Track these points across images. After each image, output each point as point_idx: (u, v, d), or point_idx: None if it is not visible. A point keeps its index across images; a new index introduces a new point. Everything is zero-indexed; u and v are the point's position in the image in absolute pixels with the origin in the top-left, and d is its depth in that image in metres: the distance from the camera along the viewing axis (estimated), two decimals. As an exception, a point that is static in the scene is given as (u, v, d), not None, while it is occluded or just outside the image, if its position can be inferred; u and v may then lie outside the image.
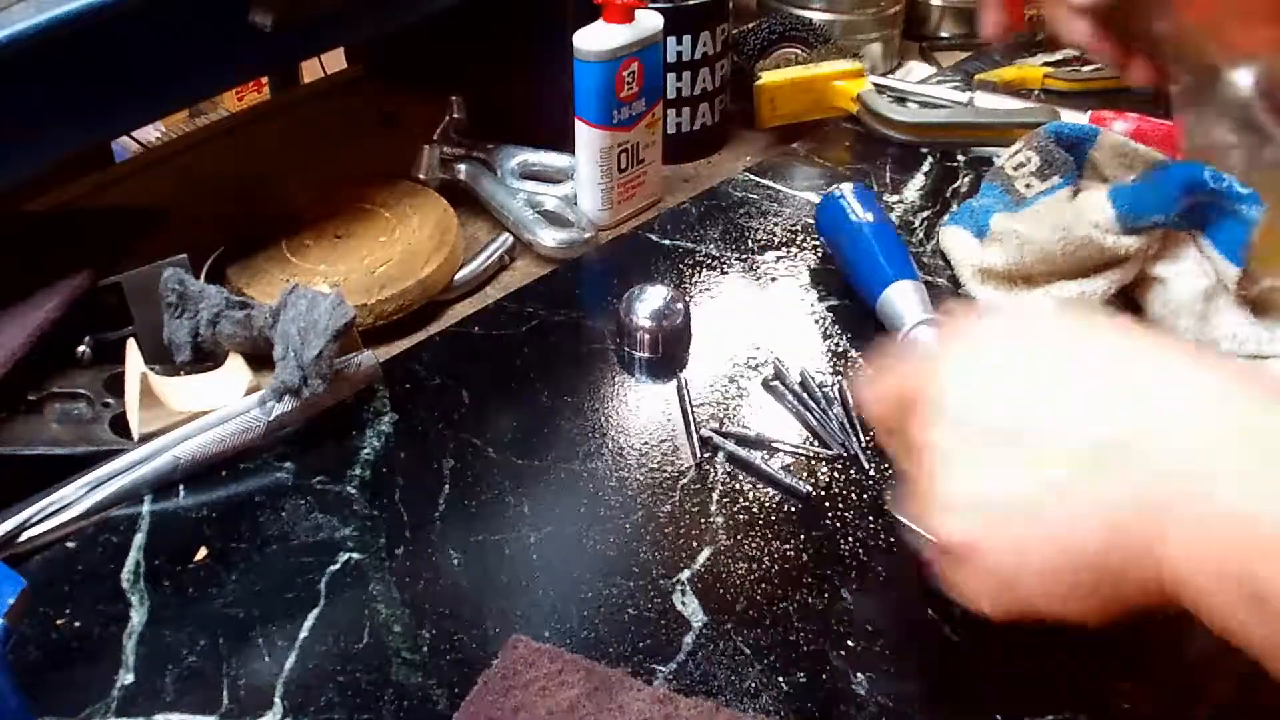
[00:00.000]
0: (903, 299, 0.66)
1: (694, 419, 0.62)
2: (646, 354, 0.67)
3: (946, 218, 0.78)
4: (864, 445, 0.61)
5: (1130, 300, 0.68)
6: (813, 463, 0.60)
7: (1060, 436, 0.39)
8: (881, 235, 0.70)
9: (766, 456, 0.60)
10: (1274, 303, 0.65)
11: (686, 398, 0.64)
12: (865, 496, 0.58)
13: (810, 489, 0.58)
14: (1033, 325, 0.44)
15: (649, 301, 0.67)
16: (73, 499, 0.56)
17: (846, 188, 0.74)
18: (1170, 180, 0.65)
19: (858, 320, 0.70)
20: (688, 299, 0.71)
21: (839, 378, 0.65)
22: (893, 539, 0.55)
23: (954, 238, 0.75)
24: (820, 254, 0.77)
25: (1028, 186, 0.72)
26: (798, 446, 0.61)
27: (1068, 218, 0.67)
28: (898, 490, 0.48)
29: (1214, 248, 0.65)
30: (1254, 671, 0.38)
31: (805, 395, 0.64)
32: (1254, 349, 0.63)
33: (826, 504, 0.57)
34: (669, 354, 0.67)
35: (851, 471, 0.59)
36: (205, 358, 0.65)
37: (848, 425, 0.62)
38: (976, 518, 0.40)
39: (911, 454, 0.44)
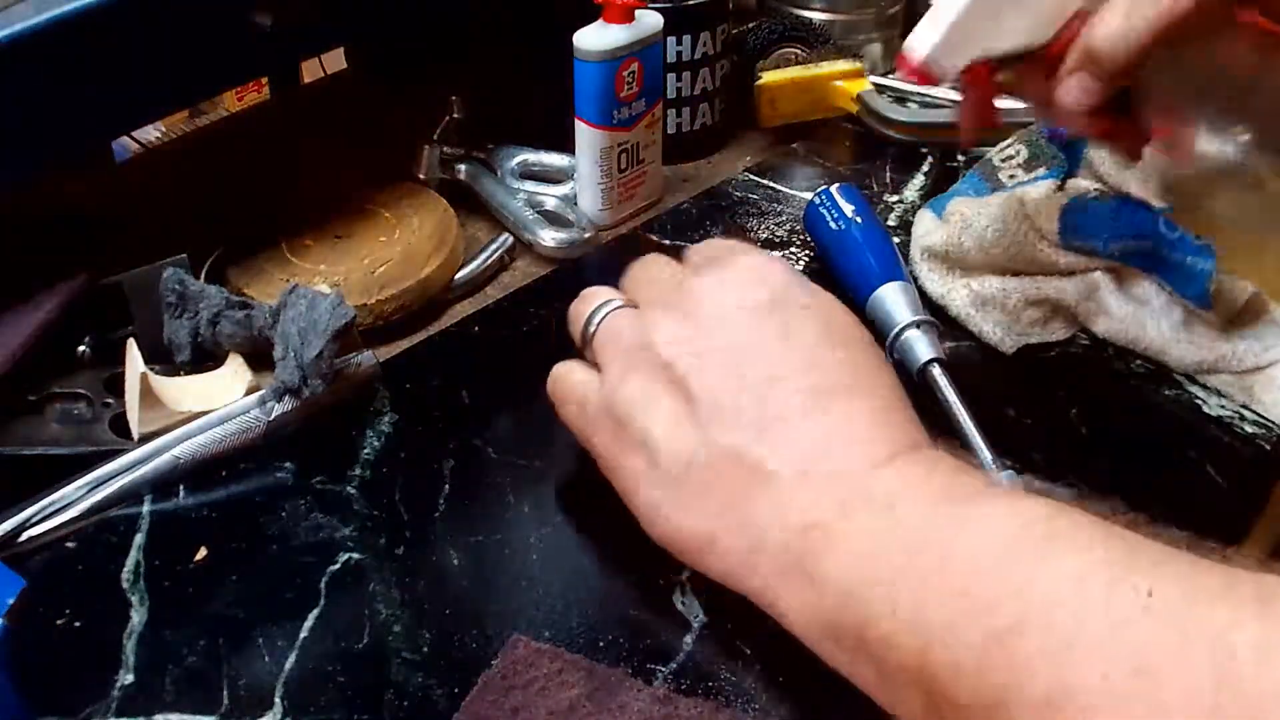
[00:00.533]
0: (891, 301, 0.65)
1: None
2: None
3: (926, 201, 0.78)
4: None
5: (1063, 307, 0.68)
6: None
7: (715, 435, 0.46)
8: (870, 236, 0.70)
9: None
10: (1255, 309, 0.64)
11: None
12: (865, 496, 0.58)
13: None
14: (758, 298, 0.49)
15: None
16: (73, 499, 0.56)
17: (834, 188, 0.73)
18: (1125, 215, 0.65)
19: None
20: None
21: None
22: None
23: (920, 218, 0.75)
24: (819, 254, 0.77)
25: (1010, 177, 0.72)
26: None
27: (1015, 211, 0.67)
28: None
29: (1174, 290, 0.65)
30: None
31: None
32: (1253, 362, 0.63)
33: (826, 504, 0.57)
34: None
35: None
36: (205, 358, 0.65)
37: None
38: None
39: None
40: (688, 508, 0.46)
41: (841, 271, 0.71)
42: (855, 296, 0.68)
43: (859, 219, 0.71)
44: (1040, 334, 0.67)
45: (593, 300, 0.54)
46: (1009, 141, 0.74)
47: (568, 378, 0.54)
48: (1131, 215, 0.65)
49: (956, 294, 0.69)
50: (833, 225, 0.71)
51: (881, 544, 0.41)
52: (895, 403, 0.47)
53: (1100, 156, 0.72)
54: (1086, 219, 0.65)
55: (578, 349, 0.55)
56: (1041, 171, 0.71)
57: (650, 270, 0.55)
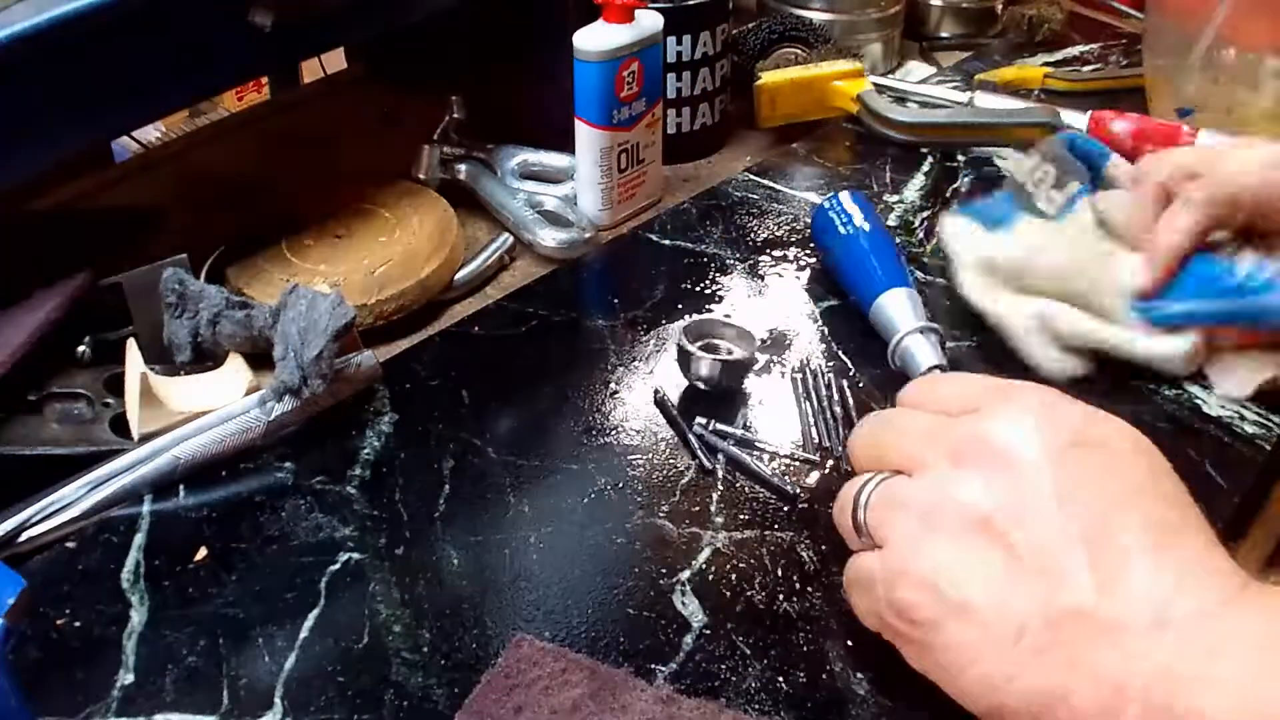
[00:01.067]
0: (895, 307, 0.65)
1: (684, 423, 0.62)
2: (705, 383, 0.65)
3: (954, 206, 0.77)
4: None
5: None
6: (811, 463, 0.60)
7: (1045, 592, 0.40)
8: (875, 242, 0.70)
9: (761, 456, 0.60)
10: None
11: (669, 403, 0.64)
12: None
13: (798, 490, 0.58)
14: (1051, 433, 0.44)
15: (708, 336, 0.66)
16: (73, 499, 0.56)
17: (843, 195, 0.73)
18: (1202, 276, 0.64)
19: (856, 321, 0.70)
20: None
21: (838, 377, 0.65)
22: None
23: (959, 227, 0.72)
24: (818, 254, 0.77)
25: (1049, 200, 0.70)
26: (790, 447, 0.61)
27: (1095, 266, 0.66)
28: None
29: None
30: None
31: (808, 393, 0.64)
32: None
33: (830, 504, 0.57)
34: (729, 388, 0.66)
35: (851, 471, 0.59)
36: (205, 358, 0.65)
37: (846, 424, 0.62)
38: (942, 607, 0.42)
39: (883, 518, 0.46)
40: (1028, 669, 0.41)
41: (848, 276, 0.70)
42: (860, 301, 0.68)
43: (866, 225, 0.71)
44: (1086, 368, 0.65)
45: (854, 484, 0.48)
46: (1033, 159, 0.73)
47: (854, 564, 0.48)
48: (1207, 273, 0.64)
49: (1016, 314, 0.66)
50: (841, 230, 0.71)
51: (1263, 684, 0.37)
52: (1211, 529, 0.43)
53: (1119, 175, 0.71)
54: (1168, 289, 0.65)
55: (853, 543, 0.48)
56: (1076, 187, 0.70)
57: (900, 426, 0.49)
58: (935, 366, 0.62)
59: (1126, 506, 0.41)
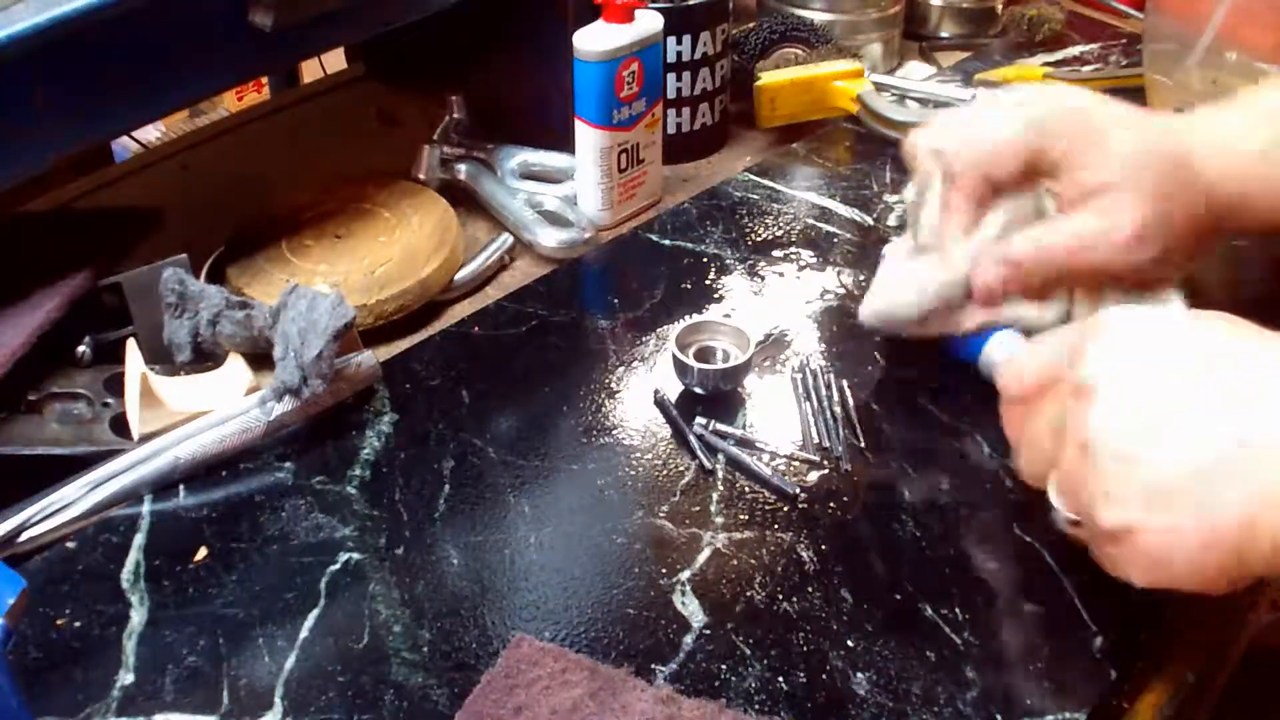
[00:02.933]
0: (1010, 350, 0.61)
1: (684, 423, 0.62)
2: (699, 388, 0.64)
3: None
4: (863, 446, 0.61)
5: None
6: (811, 463, 0.60)
7: (1208, 435, 0.42)
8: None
9: (761, 456, 0.60)
10: None
11: (669, 403, 0.64)
12: (866, 496, 0.58)
13: (798, 490, 0.58)
14: (1175, 332, 0.46)
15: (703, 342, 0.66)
16: (73, 499, 0.56)
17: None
18: None
19: (856, 320, 0.70)
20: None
21: (838, 377, 0.65)
22: (891, 539, 0.55)
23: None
24: (818, 254, 0.77)
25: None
26: (790, 447, 0.61)
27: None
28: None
29: None
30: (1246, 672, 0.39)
31: (808, 393, 0.64)
32: None
33: (830, 504, 0.57)
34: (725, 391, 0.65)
35: (851, 471, 0.59)
36: (205, 358, 0.65)
37: (845, 424, 0.62)
38: (1133, 507, 0.43)
39: (1055, 437, 0.47)
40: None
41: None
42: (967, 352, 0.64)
43: None
44: None
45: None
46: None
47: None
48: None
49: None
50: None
51: None
52: None
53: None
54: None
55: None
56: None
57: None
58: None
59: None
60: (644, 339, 0.69)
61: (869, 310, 0.64)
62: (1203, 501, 0.42)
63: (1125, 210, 0.57)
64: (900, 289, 0.63)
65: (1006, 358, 0.56)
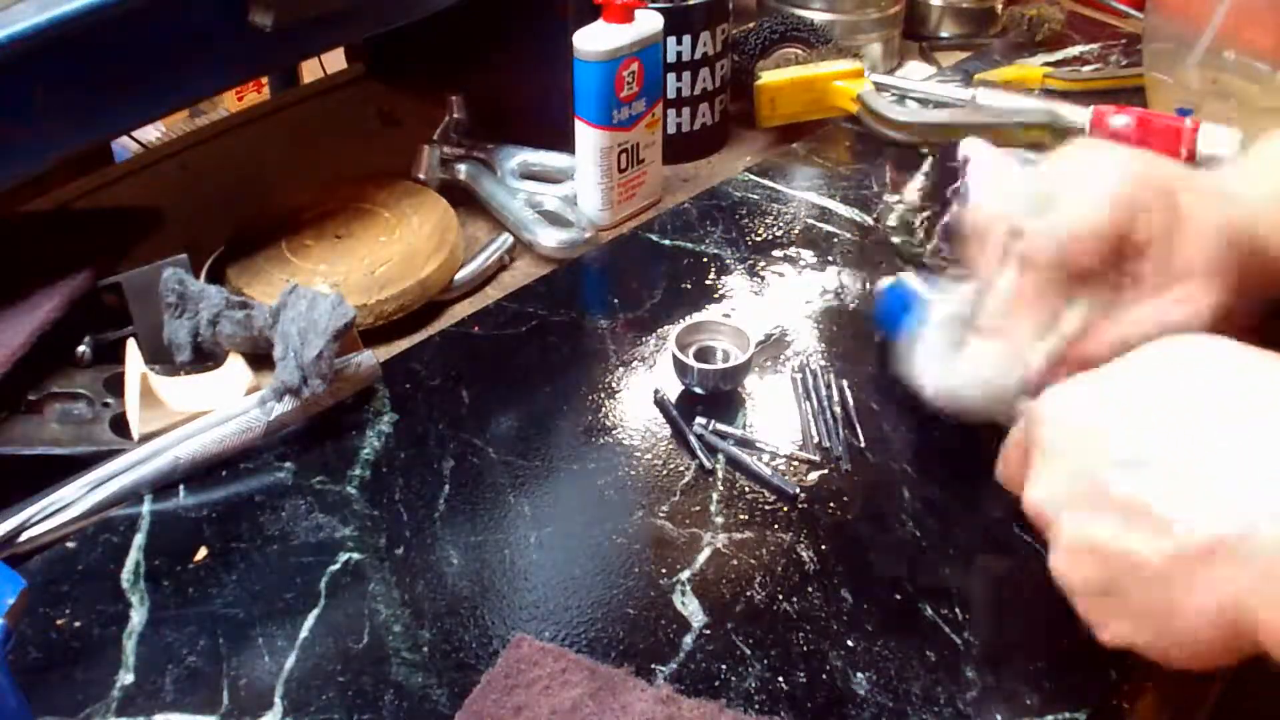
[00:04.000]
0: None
1: (684, 423, 0.62)
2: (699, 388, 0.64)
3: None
4: (863, 446, 0.61)
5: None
6: (811, 463, 0.60)
7: (1187, 519, 0.41)
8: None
9: (761, 456, 0.60)
10: None
11: (669, 403, 0.64)
12: (866, 496, 0.58)
13: (798, 490, 0.58)
14: (1162, 369, 0.45)
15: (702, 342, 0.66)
16: (73, 499, 0.56)
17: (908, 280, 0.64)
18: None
19: (857, 320, 0.70)
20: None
21: (838, 377, 0.65)
22: (891, 539, 0.55)
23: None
24: (818, 254, 0.77)
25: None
26: (790, 447, 0.61)
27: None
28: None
29: None
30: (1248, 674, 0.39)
31: (808, 393, 0.64)
32: None
33: (830, 504, 0.57)
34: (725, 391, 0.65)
35: (851, 471, 0.59)
36: (205, 358, 0.65)
37: (845, 424, 0.62)
38: (1103, 578, 0.43)
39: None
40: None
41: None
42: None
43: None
44: None
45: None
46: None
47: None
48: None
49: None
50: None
51: None
52: None
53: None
54: None
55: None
56: None
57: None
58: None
59: None
60: (644, 339, 0.69)
61: (942, 388, 0.57)
62: (1174, 591, 0.41)
63: (1205, 298, 0.52)
64: (963, 377, 0.57)
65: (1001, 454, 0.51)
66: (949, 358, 0.57)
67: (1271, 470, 0.40)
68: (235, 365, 0.64)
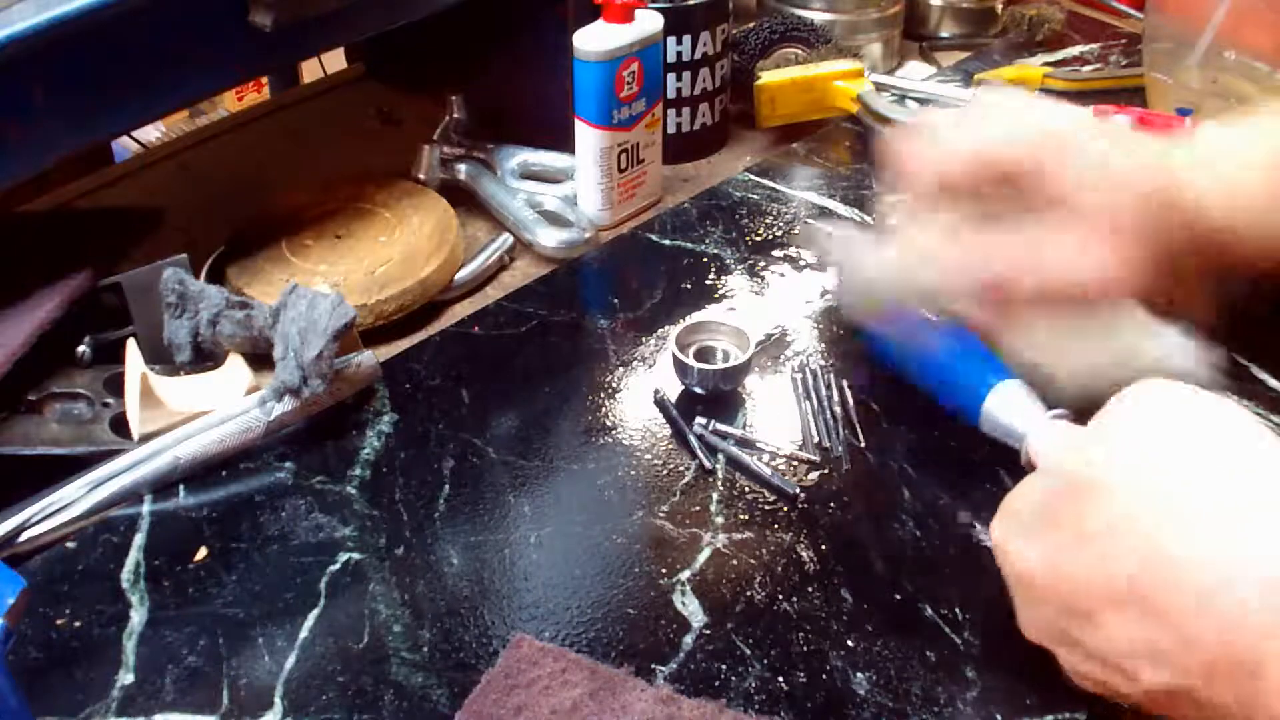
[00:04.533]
0: (1011, 405, 0.56)
1: (684, 423, 0.62)
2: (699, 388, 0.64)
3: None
4: (863, 446, 0.61)
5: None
6: (811, 463, 0.60)
7: (1179, 611, 0.39)
8: (961, 338, 0.59)
9: (761, 456, 0.60)
10: None
11: (669, 403, 0.64)
12: (866, 496, 0.58)
13: (798, 490, 0.58)
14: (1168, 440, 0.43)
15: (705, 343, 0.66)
16: (73, 499, 0.56)
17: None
18: None
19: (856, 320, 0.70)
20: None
21: (838, 377, 0.65)
22: (891, 539, 0.55)
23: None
24: (819, 254, 0.77)
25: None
26: (790, 447, 0.61)
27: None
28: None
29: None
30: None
31: (808, 393, 0.64)
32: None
33: (830, 504, 0.57)
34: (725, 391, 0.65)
35: (851, 471, 0.59)
36: (205, 358, 0.65)
37: (845, 424, 0.62)
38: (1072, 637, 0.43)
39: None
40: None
41: (938, 385, 0.61)
42: (963, 409, 0.59)
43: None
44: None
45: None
46: None
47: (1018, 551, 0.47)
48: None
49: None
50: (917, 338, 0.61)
51: None
52: None
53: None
54: None
55: None
56: None
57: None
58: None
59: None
60: (644, 339, 0.69)
61: (853, 286, 0.62)
62: (1153, 665, 0.40)
63: (1113, 250, 0.53)
64: (872, 271, 0.61)
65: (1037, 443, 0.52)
66: (860, 261, 0.61)
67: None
68: (235, 365, 0.64)
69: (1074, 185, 0.54)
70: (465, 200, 0.83)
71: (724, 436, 0.61)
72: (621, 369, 0.67)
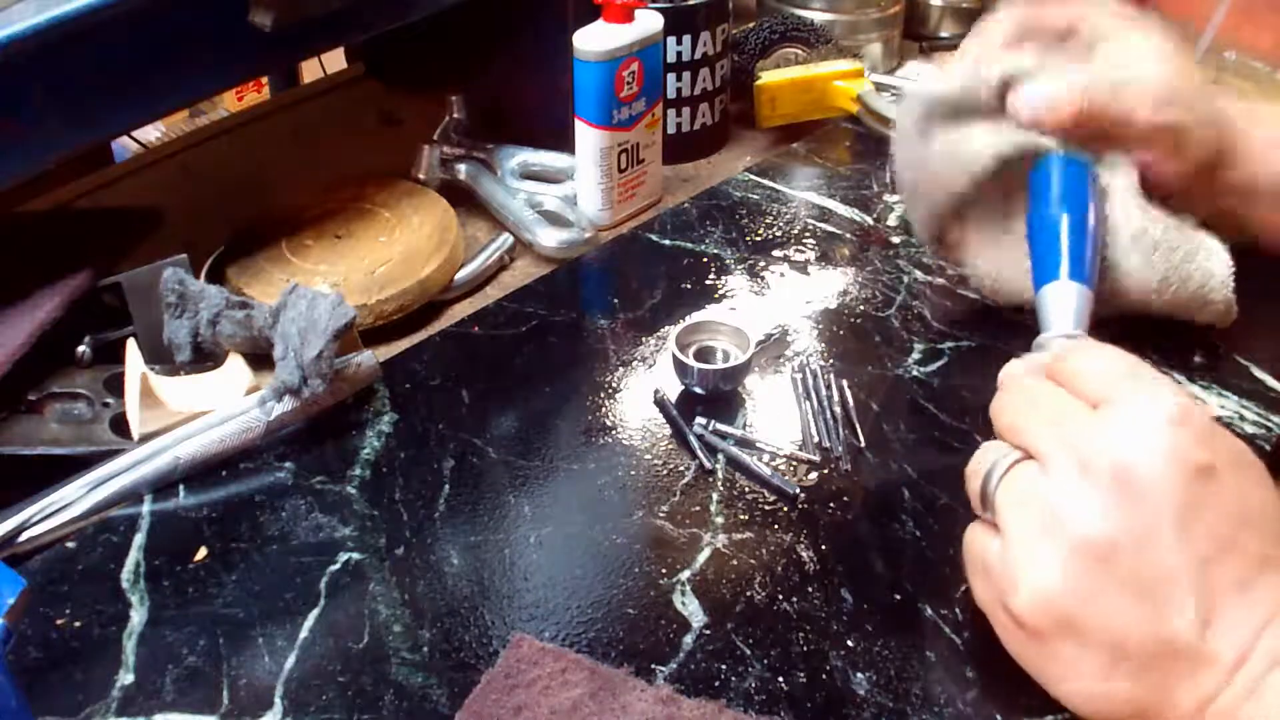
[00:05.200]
0: (1056, 305, 0.58)
1: (684, 423, 0.62)
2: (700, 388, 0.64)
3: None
4: (863, 446, 0.61)
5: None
6: (811, 463, 0.60)
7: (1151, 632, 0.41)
8: (1077, 223, 0.61)
9: (761, 456, 0.60)
10: None
11: (669, 403, 0.64)
12: (866, 496, 0.58)
13: (798, 490, 0.58)
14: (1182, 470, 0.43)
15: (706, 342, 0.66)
16: (73, 499, 0.56)
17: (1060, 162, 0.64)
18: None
19: (856, 320, 0.70)
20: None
21: (838, 377, 0.65)
22: (892, 539, 0.55)
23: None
24: (819, 254, 0.77)
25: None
26: (790, 447, 0.61)
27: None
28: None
29: None
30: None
31: (808, 393, 0.64)
32: None
33: (830, 504, 0.57)
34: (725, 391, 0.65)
35: (851, 471, 0.59)
36: (205, 358, 0.65)
37: (845, 424, 0.62)
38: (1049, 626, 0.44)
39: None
40: (1122, 690, 0.42)
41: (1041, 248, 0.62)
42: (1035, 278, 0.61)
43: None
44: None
45: (989, 454, 0.48)
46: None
47: (974, 538, 0.48)
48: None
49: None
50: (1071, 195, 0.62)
51: None
52: None
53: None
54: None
55: (976, 509, 0.49)
56: None
57: (1035, 400, 0.48)
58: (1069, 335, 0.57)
59: (1237, 540, 0.42)
60: (644, 339, 0.69)
61: (915, 164, 0.68)
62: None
63: (1152, 68, 0.60)
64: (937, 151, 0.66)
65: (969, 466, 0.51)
66: (923, 141, 0.66)
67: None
68: (235, 365, 0.64)
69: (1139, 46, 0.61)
70: (465, 200, 0.83)
71: (724, 436, 0.61)
72: (621, 369, 0.67)
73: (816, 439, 0.61)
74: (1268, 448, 0.61)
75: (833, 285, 0.74)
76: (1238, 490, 0.43)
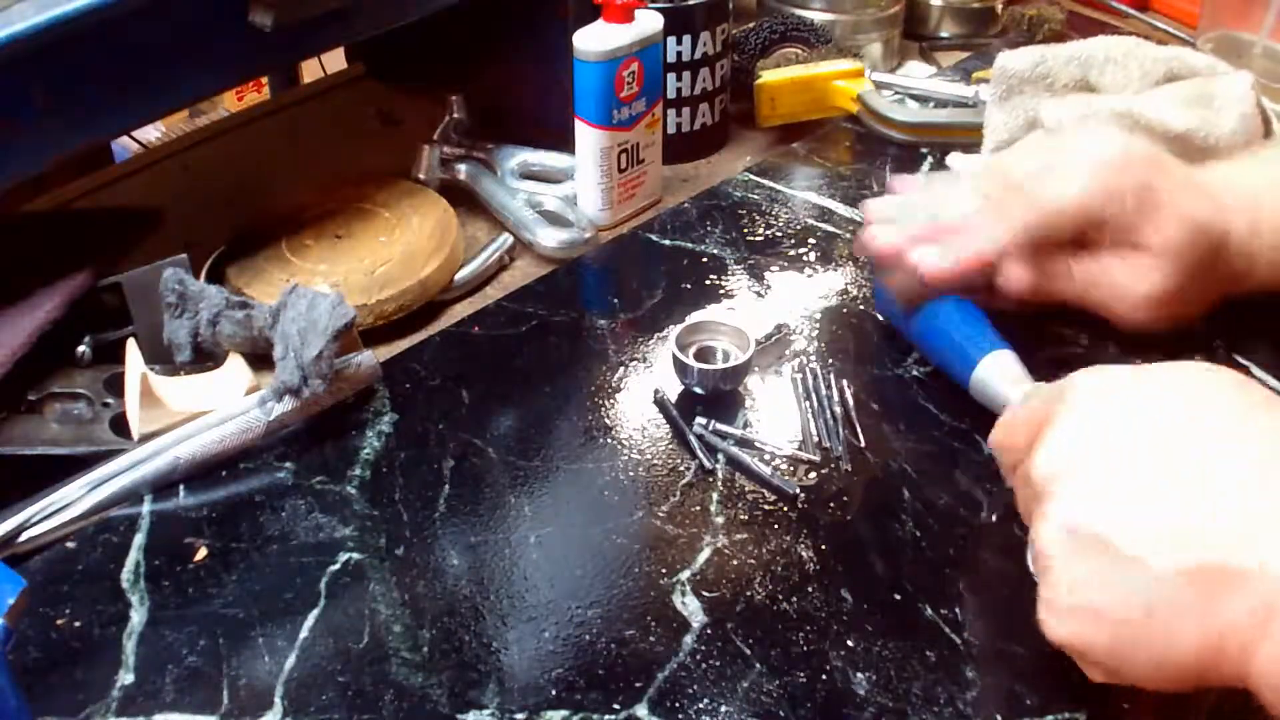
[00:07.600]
0: (1001, 372, 0.59)
1: (684, 423, 0.62)
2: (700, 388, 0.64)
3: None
4: (863, 446, 0.61)
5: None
6: (811, 463, 0.60)
7: (1169, 554, 0.41)
8: (961, 307, 0.63)
9: (761, 456, 0.60)
10: None
11: (669, 403, 0.64)
12: (866, 496, 0.58)
13: (798, 490, 0.58)
14: (1161, 394, 0.45)
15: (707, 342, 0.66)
16: (73, 499, 0.56)
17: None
18: None
19: (855, 321, 0.70)
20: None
21: (838, 377, 0.65)
22: (891, 539, 0.55)
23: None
24: (819, 254, 0.77)
25: None
26: (790, 447, 0.61)
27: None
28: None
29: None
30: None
31: (808, 393, 0.64)
32: None
33: (830, 504, 0.57)
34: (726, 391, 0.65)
35: (851, 471, 0.59)
36: (205, 358, 0.65)
37: (845, 424, 0.62)
38: (1081, 626, 0.43)
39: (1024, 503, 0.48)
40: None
41: (937, 343, 0.64)
42: (956, 373, 0.62)
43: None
44: None
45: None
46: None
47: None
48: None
49: None
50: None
51: None
52: None
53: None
54: None
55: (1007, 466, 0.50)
56: None
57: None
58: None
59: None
60: (644, 339, 0.69)
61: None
62: (1152, 631, 0.41)
63: (1159, 280, 0.60)
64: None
65: (1005, 416, 0.52)
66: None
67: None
68: (235, 365, 0.64)
69: (1156, 244, 0.59)
70: (465, 200, 0.83)
71: (724, 436, 0.61)
72: (621, 369, 0.67)
73: (816, 439, 0.61)
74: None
75: (833, 285, 0.74)
76: None
